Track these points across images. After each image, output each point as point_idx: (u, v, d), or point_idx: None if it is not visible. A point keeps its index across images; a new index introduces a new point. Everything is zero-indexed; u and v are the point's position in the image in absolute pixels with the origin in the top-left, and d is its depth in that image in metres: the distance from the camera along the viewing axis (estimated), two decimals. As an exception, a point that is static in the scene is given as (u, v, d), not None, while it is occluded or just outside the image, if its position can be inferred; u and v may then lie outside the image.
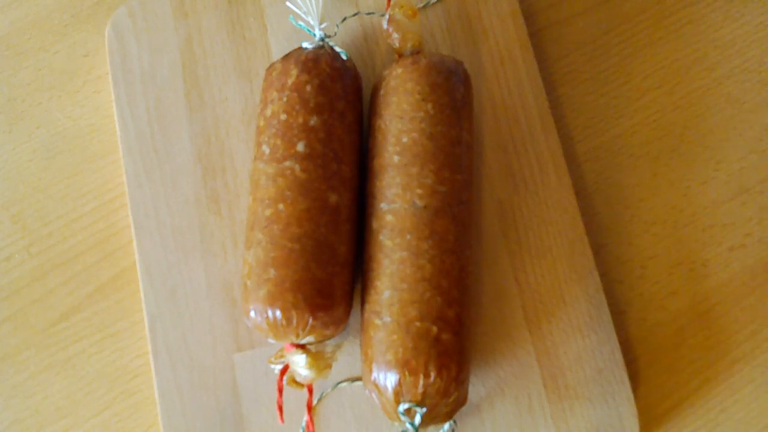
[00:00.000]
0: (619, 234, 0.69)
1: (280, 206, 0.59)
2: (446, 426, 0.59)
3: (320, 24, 0.65)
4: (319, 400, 0.63)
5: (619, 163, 0.71)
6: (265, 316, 0.57)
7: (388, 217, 0.60)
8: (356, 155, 0.63)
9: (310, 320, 0.57)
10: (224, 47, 0.70)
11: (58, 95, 0.73)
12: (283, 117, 0.61)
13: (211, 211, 0.67)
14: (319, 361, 0.59)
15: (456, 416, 0.61)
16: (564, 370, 0.63)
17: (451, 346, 0.56)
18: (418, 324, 0.56)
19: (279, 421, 0.61)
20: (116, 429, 0.65)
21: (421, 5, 0.71)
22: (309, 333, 0.58)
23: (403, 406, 0.56)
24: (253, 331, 0.63)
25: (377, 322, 0.58)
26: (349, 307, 0.60)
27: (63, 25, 0.75)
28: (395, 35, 0.66)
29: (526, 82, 0.69)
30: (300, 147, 0.60)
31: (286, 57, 0.64)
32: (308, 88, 0.61)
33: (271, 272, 0.57)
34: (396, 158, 0.61)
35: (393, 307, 0.57)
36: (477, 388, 0.63)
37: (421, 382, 0.56)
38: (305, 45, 0.64)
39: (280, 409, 0.61)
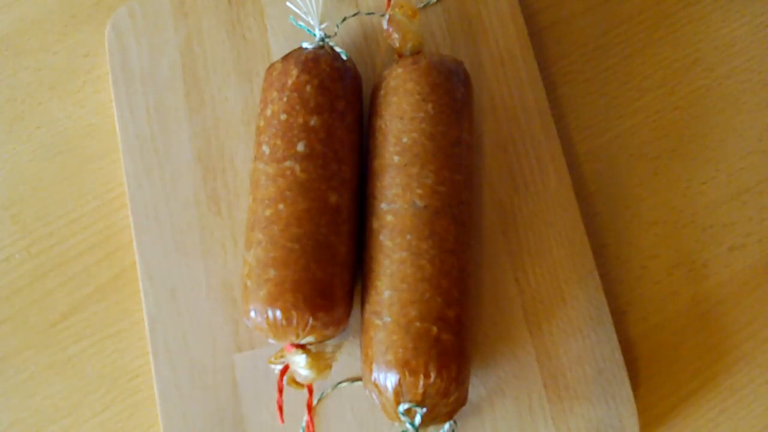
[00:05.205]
0: (619, 234, 0.69)
1: (280, 206, 0.59)
2: (446, 426, 0.59)
3: (320, 24, 0.65)
4: (319, 400, 0.63)
5: (619, 163, 0.71)
6: (265, 316, 0.57)
7: (389, 218, 0.60)
8: (356, 155, 0.63)
9: (310, 320, 0.57)
10: (224, 47, 0.70)
11: (58, 95, 0.73)
12: (283, 117, 0.61)
13: (211, 211, 0.67)
14: (319, 361, 0.59)
15: (456, 416, 0.61)
16: (564, 370, 0.63)
17: (451, 347, 0.56)
18: (418, 324, 0.56)
19: (279, 421, 0.61)
20: (116, 429, 0.65)
21: (421, 5, 0.71)
22: (309, 333, 0.58)
23: (403, 407, 0.57)
24: (253, 331, 0.63)
25: (377, 322, 0.58)
26: (349, 307, 0.60)
27: (63, 25, 0.75)
28: (395, 35, 0.66)
29: (526, 82, 0.69)
30: (300, 147, 0.60)
31: (286, 57, 0.64)
32: (308, 88, 0.61)
33: (271, 272, 0.57)
34: (396, 158, 0.61)
35: (393, 307, 0.57)
36: (477, 388, 0.63)
37: (421, 382, 0.56)
38: (305, 45, 0.64)
39: (280, 409, 0.61)
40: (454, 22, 0.71)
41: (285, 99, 0.62)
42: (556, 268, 0.65)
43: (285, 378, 0.60)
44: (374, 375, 0.57)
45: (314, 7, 0.65)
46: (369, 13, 0.71)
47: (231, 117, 0.69)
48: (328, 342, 0.60)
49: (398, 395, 0.56)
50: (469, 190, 0.62)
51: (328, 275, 0.58)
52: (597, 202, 0.70)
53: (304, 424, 0.62)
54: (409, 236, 0.59)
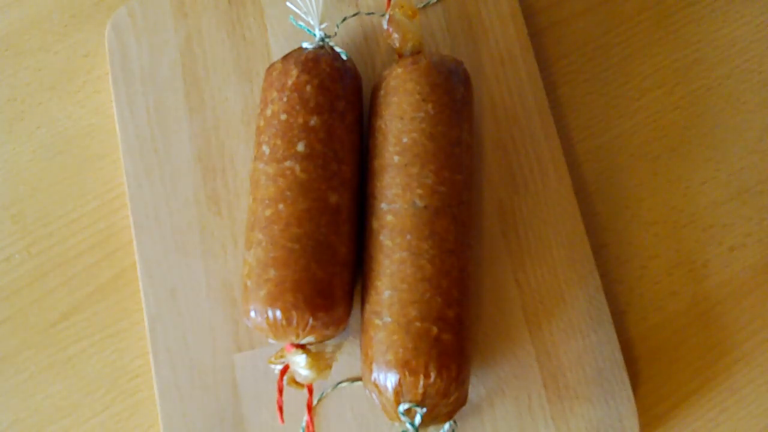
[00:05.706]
0: (619, 234, 0.69)
1: (280, 206, 0.59)
2: (446, 426, 0.59)
3: (320, 24, 0.65)
4: (319, 400, 0.63)
5: (619, 163, 0.71)
6: (266, 316, 0.57)
7: (389, 218, 0.60)
8: (356, 155, 0.63)
9: (310, 320, 0.57)
10: (224, 47, 0.70)
11: (58, 95, 0.73)
12: (283, 117, 0.61)
13: (211, 211, 0.67)
14: (319, 361, 0.59)
15: (456, 416, 0.61)
16: (564, 370, 0.63)
17: (451, 347, 0.56)
18: (418, 324, 0.56)
19: (279, 421, 0.61)
20: (116, 429, 0.65)
21: (421, 5, 0.71)
22: (309, 333, 0.58)
23: (403, 407, 0.57)
24: (253, 331, 0.63)
25: (377, 322, 0.58)
26: (349, 307, 0.60)
27: (63, 25, 0.75)
28: (395, 35, 0.66)
29: (526, 82, 0.69)
30: (300, 147, 0.60)
31: (286, 57, 0.64)
32: (308, 88, 0.61)
33: (272, 272, 0.57)
34: (396, 158, 0.61)
35: (393, 307, 0.57)
36: (477, 388, 0.63)
37: (422, 382, 0.56)
38: (305, 45, 0.64)
39: (280, 409, 0.61)
40: (454, 22, 0.71)
41: (285, 99, 0.62)
42: (556, 268, 0.65)
43: (285, 378, 0.60)
44: (374, 375, 0.57)
45: (314, 7, 0.65)
46: (369, 13, 0.71)
47: (231, 117, 0.69)
48: (328, 342, 0.60)
49: (398, 395, 0.56)
50: (469, 190, 0.62)
51: (328, 275, 0.58)
52: (597, 202, 0.70)
53: (304, 424, 0.62)
54: (409, 236, 0.59)
